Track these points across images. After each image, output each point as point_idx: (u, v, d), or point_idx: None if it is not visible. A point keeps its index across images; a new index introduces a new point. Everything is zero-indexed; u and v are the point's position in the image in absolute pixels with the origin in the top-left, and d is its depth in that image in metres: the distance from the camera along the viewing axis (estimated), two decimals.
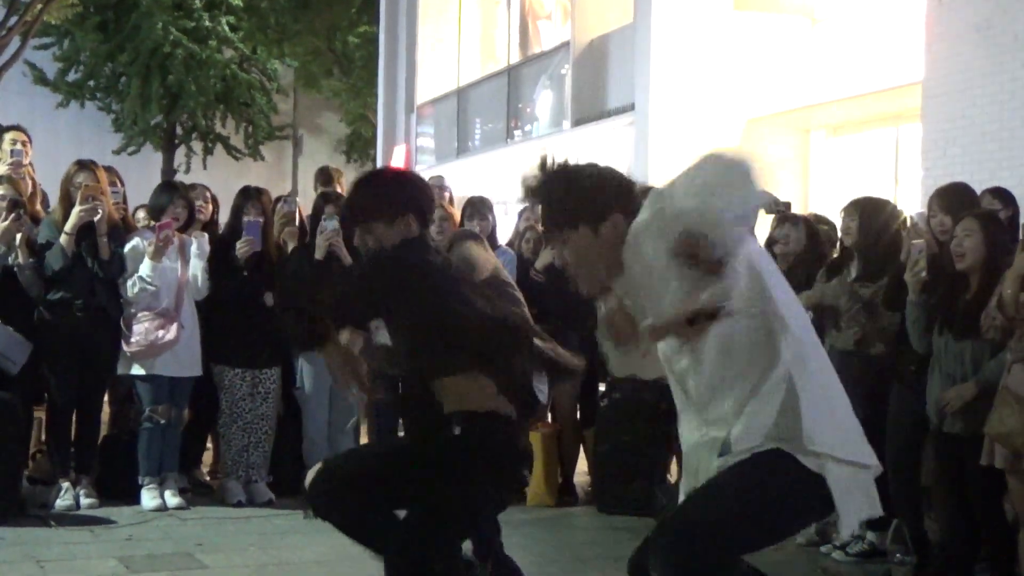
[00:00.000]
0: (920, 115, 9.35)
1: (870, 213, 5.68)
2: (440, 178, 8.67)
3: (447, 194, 7.85)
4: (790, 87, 11.65)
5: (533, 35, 16.50)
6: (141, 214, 7.26)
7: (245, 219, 6.59)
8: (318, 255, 6.43)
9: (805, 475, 2.71)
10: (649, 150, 11.63)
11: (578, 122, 13.56)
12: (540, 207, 2.99)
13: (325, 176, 8.24)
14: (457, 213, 7.23)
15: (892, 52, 10.31)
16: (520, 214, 8.09)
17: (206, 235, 6.68)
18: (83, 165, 6.37)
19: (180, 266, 6.43)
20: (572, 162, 2.94)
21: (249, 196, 6.79)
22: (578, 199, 2.86)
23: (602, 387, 6.85)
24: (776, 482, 2.73)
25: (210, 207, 7.04)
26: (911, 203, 8.75)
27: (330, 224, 6.43)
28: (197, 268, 6.46)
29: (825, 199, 10.66)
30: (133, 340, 6.30)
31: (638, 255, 2.78)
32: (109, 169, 6.73)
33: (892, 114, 10.79)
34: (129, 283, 6.31)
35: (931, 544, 5.34)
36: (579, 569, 5.43)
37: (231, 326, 6.58)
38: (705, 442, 2.85)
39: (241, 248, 6.50)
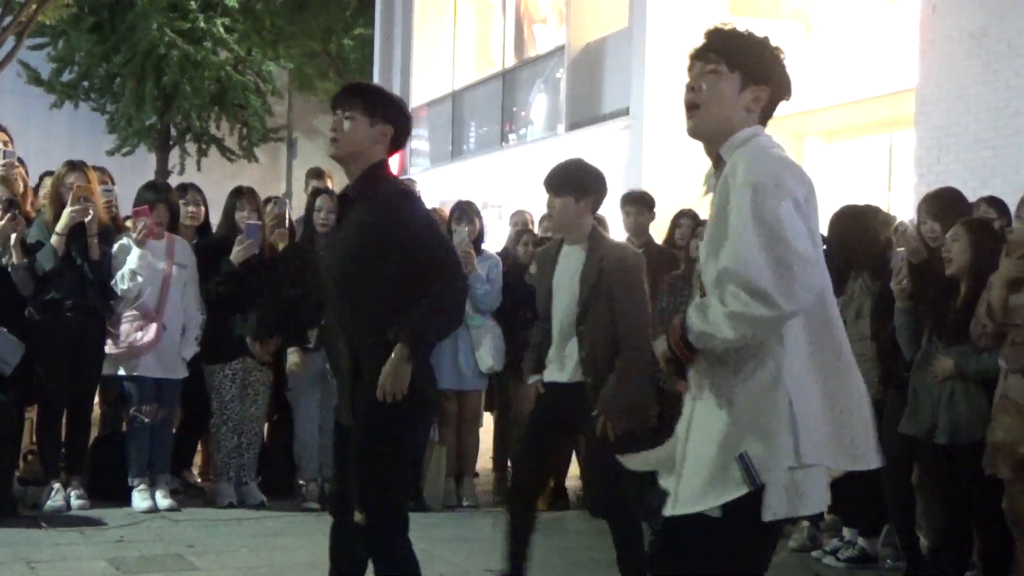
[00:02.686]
0: (914, 122, 9.36)
1: (862, 220, 5.73)
2: (411, 181, 8.70)
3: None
4: None
5: (528, 39, 16.51)
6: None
7: (246, 221, 6.57)
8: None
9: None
10: (644, 154, 11.63)
11: (573, 126, 13.57)
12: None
13: (317, 173, 8.26)
14: (445, 216, 7.24)
15: (886, 59, 10.33)
16: (512, 218, 8.10)
17: (186, 243, 6.64)
18: (74, 166, 6.35)
19: (166, 266, 6.42)
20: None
21: (242, 195, 6.79)
22: (756, 51, 2.82)
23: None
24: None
25: (202, 210, 7.00)
26: (904, 210, 8.76)
27: (461, 233, 6.64)
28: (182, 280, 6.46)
29: (819, 205, 10.67)
30: (111, 342, 6.31)
31: None
32: (100, 169, 6.72)
33: (886, 121, 10.80)
34: (118, 276, 6.29)
35: (921, 550, 5.35)
36: (572, 574, 5.43)
37: (223, 326, 6.57)
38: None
39: (239, 253, 6.48)
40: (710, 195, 2.86)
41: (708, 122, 2.82)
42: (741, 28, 2.85)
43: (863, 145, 11.79)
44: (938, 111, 9.05)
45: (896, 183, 11.02)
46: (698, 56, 2.84)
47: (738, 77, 2.79)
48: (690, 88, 2.85)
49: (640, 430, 4.33)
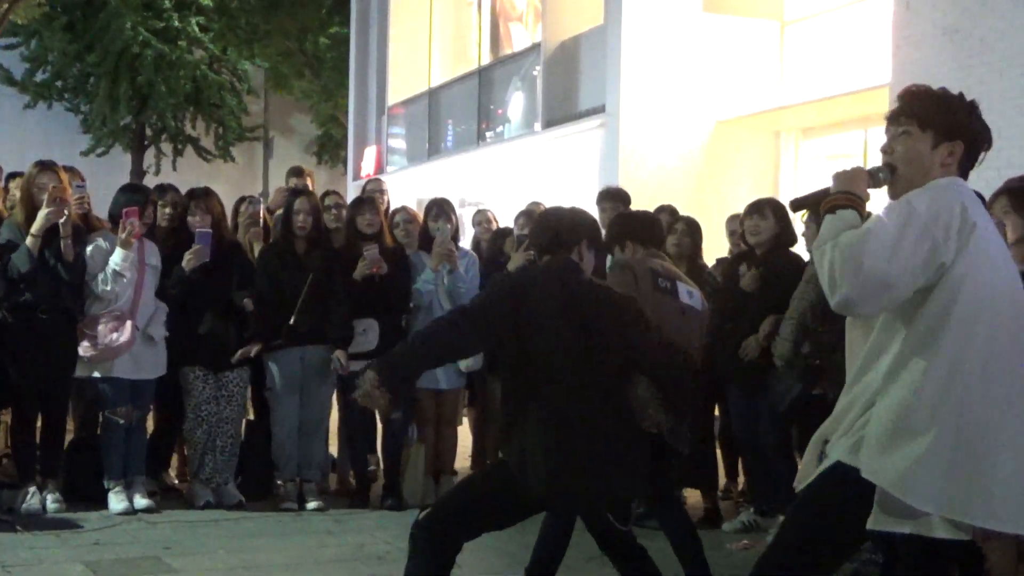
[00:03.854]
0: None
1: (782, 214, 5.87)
2: (379, 181, 8.68)
3: (385, 198, 7.85)
4: (760, 89, 11.72)
5: (504, 36, 16.50)
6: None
7: (197, 228, 6.53)
8: (435, 263, 6.69)
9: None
10: (620, 151, 11.65)
11: (549, 124, 13.58)
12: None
13: (298, 172, 8.24)
14: (420, 216, 7.23)
15: (860, 55, 10.39)
16: (474, 217, 8.12)
17: (154, 244, 6.59)
18: (44, 166, 6.30)
19: (139, 268, 6.37)
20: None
21: (194, 197, 6.76)
22: (947, 109, 2.98)
23: None
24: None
25: (179, 211, 6.92)
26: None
27: (444, 231, 6.68)
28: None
29: None
30: (87, 344, 6.26)
31: None
32: (70, 169, 6.67)
33: (860, 116, 10.85)
34: (100, 277, 6.25)
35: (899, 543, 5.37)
36: (587, 569, 5.44)
37: (195, 328, 6.54)
38: None
39: (189, 260, 6.45)
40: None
41: (904, 183, 2.96)
42: (934, 88, 3.02)
43: (838, 141, 11.84)
44: None
45: None
46: (891, 120, 3.02)
47: (930, 136, 2.93)
48: (885, 151, 3.02)
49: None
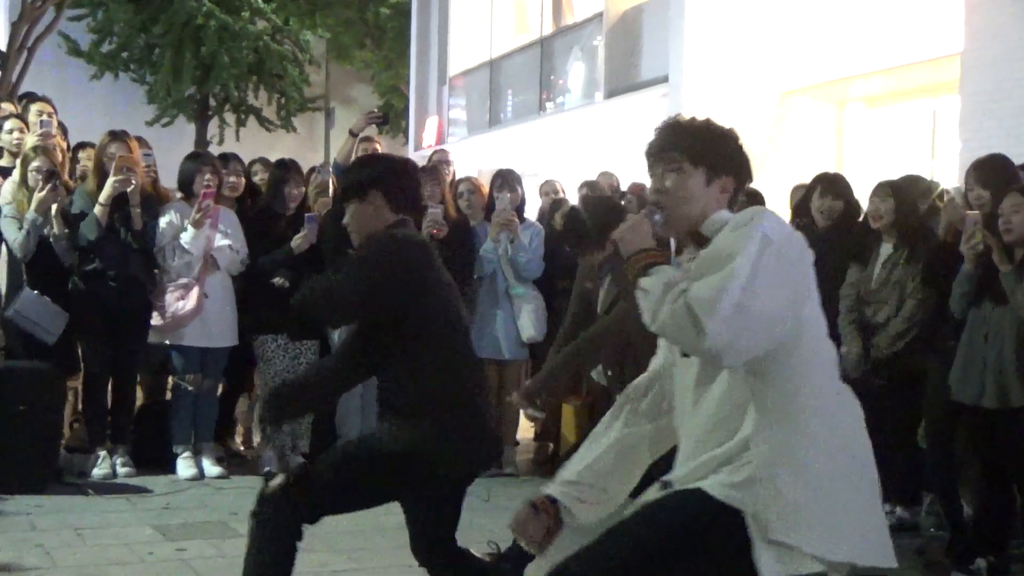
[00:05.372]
0: (958, 87, 9.23)
1: (904, 194, 5.72)
2: (444, 152, 8.67)
3: (451, 169, 7.85)
4: (826, 59, 11.52)
5: (566, 6, 16.39)
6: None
7: (306, 214, 6.62)
8: (493, 232, 6.77)
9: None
10: None
11: (611, 94, 13.48)
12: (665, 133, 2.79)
13: (366, 140, 8.26)
14: (485, 186, 7.23)
15: (930, 23, 10.17)
16: (542, 188, 8.08)
17: (232, 212, 6.68)
18: (116, 135, 6.40)
19: (210, 236, 6.46)
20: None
21: (289, 169, 6.84)
22: (716, 142, 2.76)
23: None
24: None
25: (243, 180, 7.03)
26: (948, 176, 8.65)
27: (503, 200, 6.74)
28: (222, 243, 6.49)
29: (861, 172, 10.56)
30: (155, 313, 6.37)
31: None
32: (138, 139, 6.76)
33: (930, 86, 10.64)
34: (167, 252, 6.36)
35: (965, 519, 5.32)
36: None
37: (273, 299, 6.61)
38: None
39: (299, 242, 6.53)
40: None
41: (678, 220, 2.71)
42: (696, 120, 2.79)
43: (906, 111, 11.63)
44: (983, 76, 8.91)
45: (940, 150, 10.88)
46: (658, 156, 2.75)
47: (703, 172, 2.71)
48: (657, 190, 2.74)
49: None
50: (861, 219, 6.14)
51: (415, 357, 3.45)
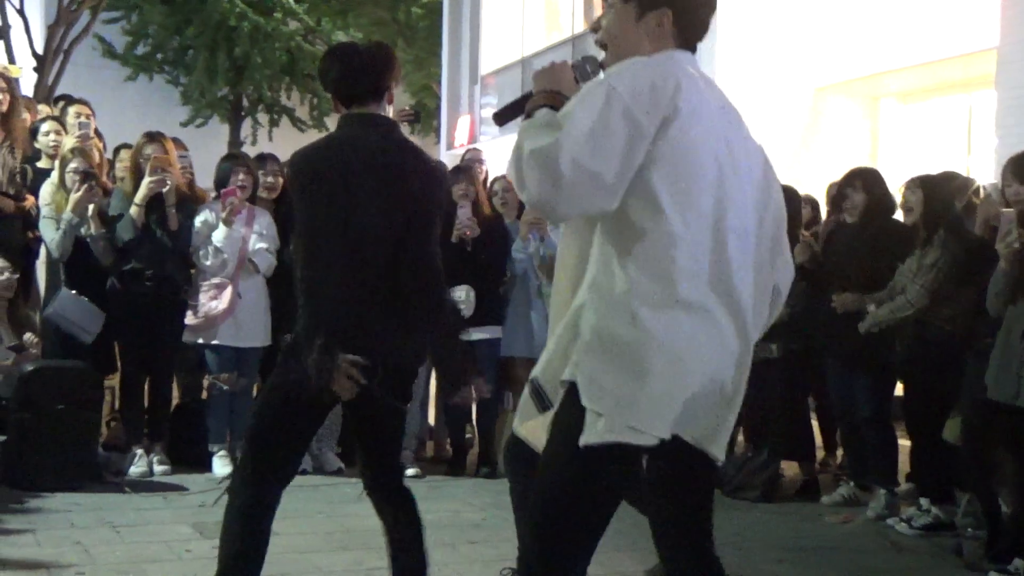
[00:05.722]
0: (994, 82, 9.14)
1: (934, 188, 5.69)
2: (477, 151, 8.68)
3: (483, 168, 7.85)
4: (859, 54, 11.45)
5: (598, 3, 16.36)
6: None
7: None
8: (523, 232, 6.68)
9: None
10: None
11: None
12: None
13: None
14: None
15: (965, 17, 10.08)
16: None
17: (267, 213, 6.72)
18: (152, 137, 6.45)
19: (244, 234, 6.50)
20: None
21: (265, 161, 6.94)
22: None
23: None
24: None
25: (280, 181, 7.05)
26: (985, 173, 8.57)
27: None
28: (259, 245, 6.53)
29: (896, 169, 10.49)
30: (189, 312, 6.42)
31: None
32: (174, 140, 6.81)
33: (965, 81, 10.56)
34: (201, 252, 6.41)
35: (1003, 518, 5.27)
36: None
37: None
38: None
39: None
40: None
41: (614, 59, 2.62)
42: None
43: (941, 106, 11.54)
44: (1020, 71, 8.82)
45: (976, 145, 10.79)
46: None
47: (633, 7, 2.63)
48: (592, 28, 2.70)
49: None
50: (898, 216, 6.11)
51: (306, 265, 3.34)
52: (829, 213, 7.27)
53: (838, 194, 6.42)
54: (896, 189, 6.10)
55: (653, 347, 2.39)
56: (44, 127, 6.88)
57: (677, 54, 2.64)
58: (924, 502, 5.72)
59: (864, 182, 6.13)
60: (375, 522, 5.47)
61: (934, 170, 6.35)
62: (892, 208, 6.18)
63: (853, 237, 6.10)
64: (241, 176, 6.52)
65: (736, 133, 2.63)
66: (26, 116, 7.01)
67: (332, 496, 6.12)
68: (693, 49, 2.70)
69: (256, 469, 3.48)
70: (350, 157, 3.35)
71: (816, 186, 8.25)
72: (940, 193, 5.76)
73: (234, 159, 6.86)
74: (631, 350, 2.40)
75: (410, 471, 6.60)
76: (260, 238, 6.55)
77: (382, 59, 3.58)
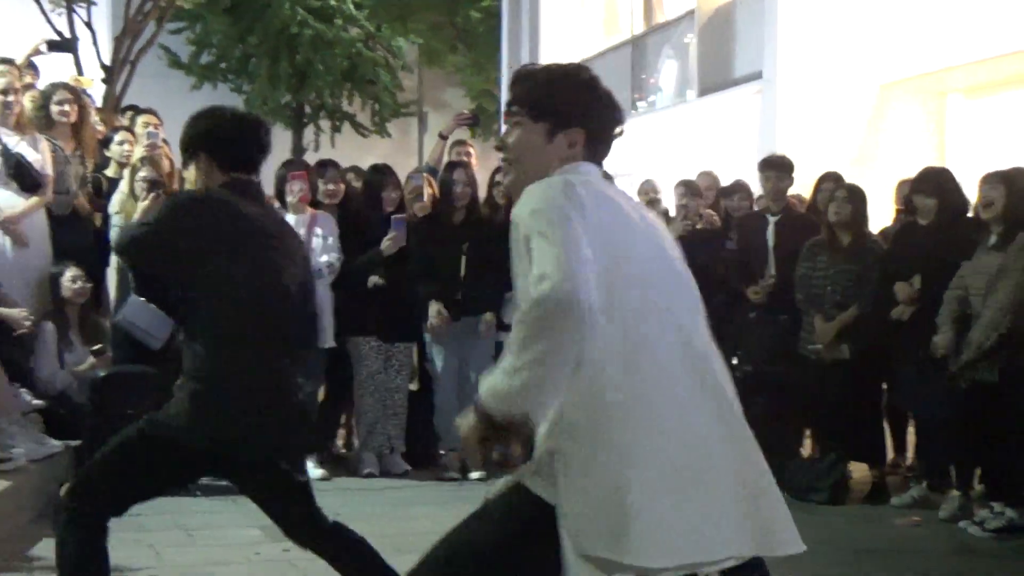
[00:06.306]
0: None
1: (1015, 183, 5.61)
2: (465, 144, 8.62)
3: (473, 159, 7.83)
4: (924, 49, 11.28)
5: (657, 4, 16.29)
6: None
7: (393, 217, 6.71)
8: None
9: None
10: (777, 119, 11.39)
11: (704, 92, 13.37)
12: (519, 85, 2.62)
13: (459, 143, 8.31)
14: None
15: None
16: (643, 186, 8.04)
17: (330, 217, 6.78)
18: None
19: (305, 238, 6.55)
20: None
21: (385, 174, 6.95)
22: (558, 92, 2.56)
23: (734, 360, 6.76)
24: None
25: (342, 187, 7.11)
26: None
27: None
28: (324, 252, 6.58)
29: (964, 165, 10.33)
30: None
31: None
32: None
33: None
34: None
35: None
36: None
37: (365, 300, 6.70)
38: None
39: (388, 245, 6.61)
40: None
41: (523, 179, 2.52)
42: (538, 66, 2.64)
43: (1009, 101, 11.33)
44: None
45: None
46: (506, 111, 2.60)
47: (543, 126, 2.54)
48: (497, 147, 2.63)
49: None
50: (971, 214, 6.02)
51: (195, 322, 3.35)
52: (899, 212, 7.19)
53: (908, 195, 6.36)
54: (968, 187, 6.01)
55: None
56: (117, 137, 7.02)
57: (580, 167, 2.56)
58: (997, 505, 5.62)
59: (934, 185, 6.06)
60: (440, 525, 5.49)
61: (1003, 166, 6.24)
62: (965, 208, 6.10)
63: (927, 236, 6.02)
64: (298, 186, 6.60)
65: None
66: (100, 128, 7.14)
67: (398, 499, 6.16)
68: (599, 163, 2.62)
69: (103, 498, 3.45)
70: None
71: (885, 185, 8.15)
72: (1020, 188, 5.67)
73: (289, 165, 6.99)
74: None
75: (474, 474, 6.58)
76: (322, 243, 6.61)
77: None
